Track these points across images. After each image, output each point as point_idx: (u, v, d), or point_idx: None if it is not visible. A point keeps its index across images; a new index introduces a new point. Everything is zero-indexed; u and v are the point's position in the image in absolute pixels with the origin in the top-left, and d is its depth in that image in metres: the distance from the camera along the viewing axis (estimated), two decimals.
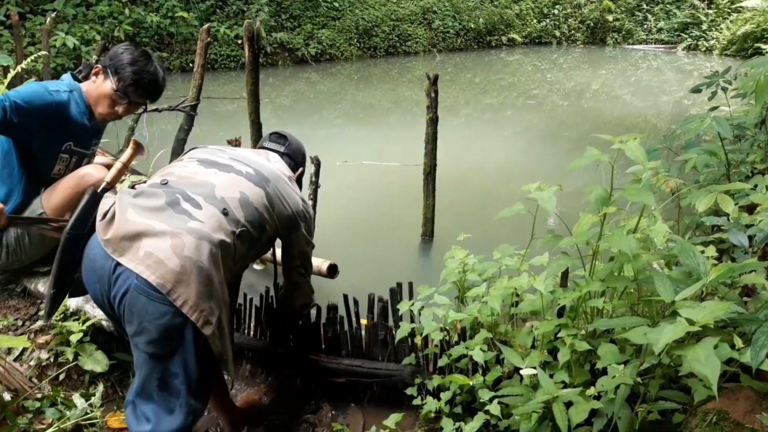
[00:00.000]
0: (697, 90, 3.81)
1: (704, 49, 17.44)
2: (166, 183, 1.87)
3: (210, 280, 1.69)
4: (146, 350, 1.69)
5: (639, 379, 1.55)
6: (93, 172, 2.48)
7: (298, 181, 2.33)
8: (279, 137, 2.39)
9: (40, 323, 2.56)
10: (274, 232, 2.04)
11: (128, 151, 2.05)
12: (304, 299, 2.36)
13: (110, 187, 1.98)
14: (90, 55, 7.58)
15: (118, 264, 1.67)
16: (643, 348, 1.61)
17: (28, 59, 5.29)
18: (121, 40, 10.90)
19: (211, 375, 1.88)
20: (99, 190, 1.93)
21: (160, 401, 1.71)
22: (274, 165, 2.16)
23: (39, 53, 6.51)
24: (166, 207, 1.76)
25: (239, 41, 12.39)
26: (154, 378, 1.71)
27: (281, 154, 2.31)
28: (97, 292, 1.77)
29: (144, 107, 2.61)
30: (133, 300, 1.66)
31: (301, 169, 2.38)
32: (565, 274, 1.94)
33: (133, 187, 1.88)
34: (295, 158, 2.35)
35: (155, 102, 2.64)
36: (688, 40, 17.95)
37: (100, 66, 2.47)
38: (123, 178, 2.81)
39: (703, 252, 1.98)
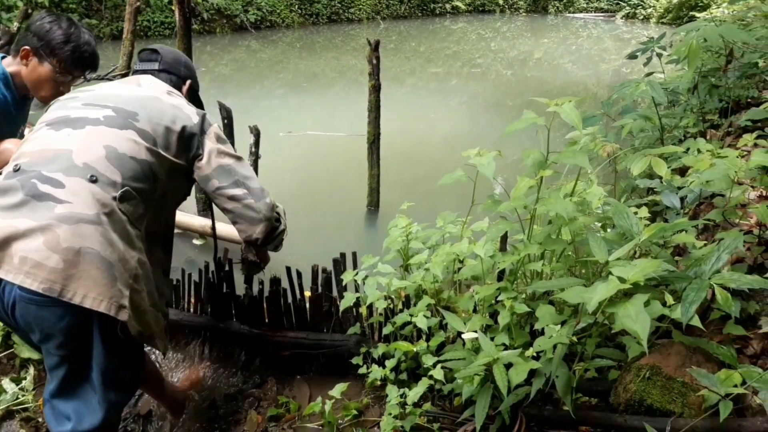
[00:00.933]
0: (633, 56, 3.89)
1: (642, 17, 17.89)
2: (18, 169, 1.58)
3: (106, 263, 1.51)
4: (58, 353, 1.59)
5: (575, 339, 1.59)
6: (11, 147, 2.32)
7: (193, 97, 2.05)
8: (150, 53, 2.03)
9: None
10: (171, 168, 1.75)
11: None
12: (258, 228, 1.89)
13: None
14: (11, 22, 7.10)
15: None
16: (579, 308, 1.64)
17: None
18: (45, 7, 10.27)
19: (131, 363, 1.75)
20: None
21: (78, 399, 1.62)
22: (146, 89, 1.84)
23: None
24: (26, 199, 1.51)
25: (173, 6, 11.90)
26: (69, 377, 1.61)
27: (156, 73, 1.98)
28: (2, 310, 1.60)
29: (84, 77, 2.46)
30: (24, 311, 1.52)
31: (189, 82, 2.05)
32: (504, 239, 1.96)
33: None
34: (175, 71, 2.02)
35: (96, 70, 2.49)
36: (627, 8, 18.37)
37: (29, 48, 2.24)
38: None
39: (636, 213, 2.03)
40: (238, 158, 1.90)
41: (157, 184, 1.72)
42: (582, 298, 1.35)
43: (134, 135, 1.68)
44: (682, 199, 2.44)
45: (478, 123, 7.47)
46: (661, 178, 2.42)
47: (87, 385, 1.62)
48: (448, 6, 17.75)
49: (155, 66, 1.99)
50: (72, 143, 1.62)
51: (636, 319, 1.22)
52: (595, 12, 19.14)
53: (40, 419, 2.23)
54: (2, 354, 2.35)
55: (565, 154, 1.66)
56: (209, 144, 1.82)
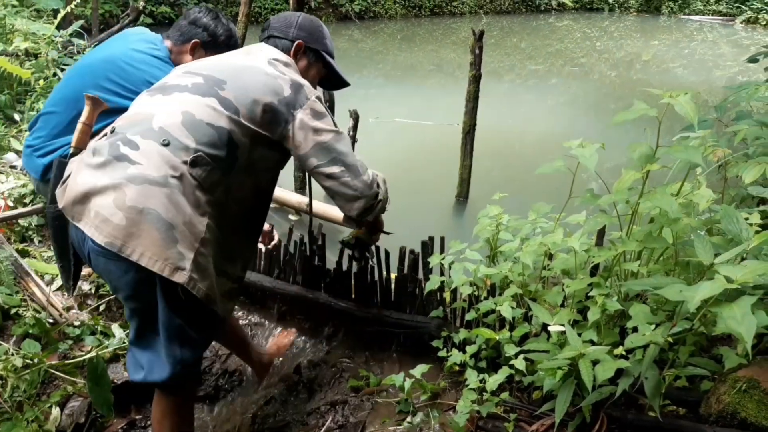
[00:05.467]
0: (753, 60, 3.66)
1: (765, 22, 16.61)
2: (113, 131, 1.67)
3: (167, 224, 1.53)
4: (128, 305, 1.69)
5: (671, 339, 1.53)
6: None
7: (306, 53, 1.99)
8: (266, 23, 2.06)
9: None
10: (255, 138, 1.70)
11: (86, 109, 1.85)
12: (355, 204, 1.85)
13: (78, 150, 1.81)
14: (137, 2, 7.63)
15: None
16: (676, 310, 1.58)
17: (76, 1, 5.35)
18: None
19: (199, 322, 1.72)
20: (67, 157, 1.78)
21: (151, 350, 1.69)
22: (249, 59, 1.82)
23: None
24: (109, 159, 1.59)
25: None
26: (141, 329, 1.69)
27: (265, 40, 1.97)
28: (85, 259, 1.72)
29: None
30: (95, 262, 1.63)
31: (298, 42, 1.95)
32: (601, 233, 1.91)
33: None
34: (284, 34, 1.95)
35: None
36: (748, 12, 17.10)
37: (199, 41, 2.40)
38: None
39: (747, 219, 1.92)
40: (337, 133, 1.81)
41: (239, 153, 1.68)
42: (683, 297, 1.30)
43: (214, 102, 1.66)
44: None
45: (576, 124, 7.24)
46: None
47: (155, 339, 1.67)
48: (554, 2, 17.25)
49: (264, 34, 1.99)
50: (156, 108, 1.67)
51: (741, 321, 1.17)
52: (712, 15, 17.96)
53: None
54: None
55: (677, 148, 1.60)
56: (306, 120, 1.74)
